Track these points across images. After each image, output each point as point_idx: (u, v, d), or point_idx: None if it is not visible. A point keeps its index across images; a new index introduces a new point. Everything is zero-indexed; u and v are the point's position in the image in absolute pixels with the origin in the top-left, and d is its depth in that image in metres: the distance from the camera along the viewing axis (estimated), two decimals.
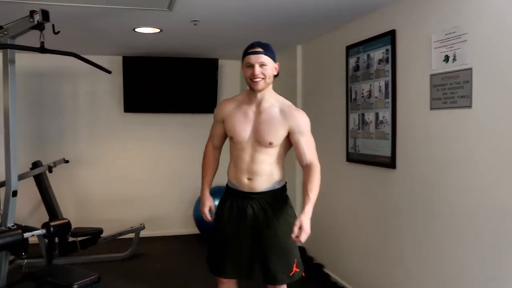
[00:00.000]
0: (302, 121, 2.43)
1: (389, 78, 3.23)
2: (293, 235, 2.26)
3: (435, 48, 2.76)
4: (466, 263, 2.57)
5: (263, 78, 2.35)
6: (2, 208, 3.52)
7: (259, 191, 2.47)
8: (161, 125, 5.72)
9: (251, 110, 2.46)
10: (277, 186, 2.51)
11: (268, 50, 2.38)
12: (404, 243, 3.13)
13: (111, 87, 5.54)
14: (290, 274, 2.48)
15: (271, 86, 2.45)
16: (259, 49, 2.36)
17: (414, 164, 3.02)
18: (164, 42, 4.59)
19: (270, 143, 2.40)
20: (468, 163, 2.54)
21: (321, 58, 4.42)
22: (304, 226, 2.26)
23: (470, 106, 2.50)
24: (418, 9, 2.94)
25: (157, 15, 3.50)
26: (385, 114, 3.29)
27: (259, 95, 2.42)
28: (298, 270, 2.51)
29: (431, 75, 2.79)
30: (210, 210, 2.65)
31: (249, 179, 2.46)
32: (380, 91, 3.36)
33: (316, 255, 4.51)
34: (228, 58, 5.71)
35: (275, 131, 2.39)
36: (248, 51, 2.39)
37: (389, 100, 3.24)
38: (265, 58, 2.35)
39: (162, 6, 3.22)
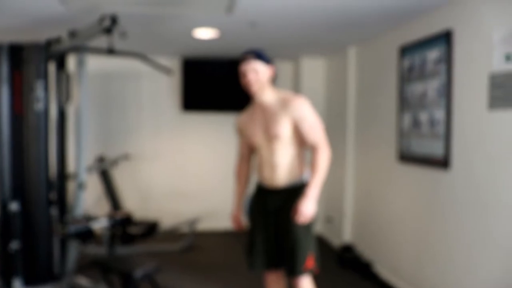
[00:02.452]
0: (299, 108, 2.51)
1: (445, 78, 3.22)
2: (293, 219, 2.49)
3: (496, 46, 2.73)
4: None
5: (256, 83, 2.52)
6: (71, 199, 3.79)
7: (279, 188, 2.60)
8: (217, 124, 5.90)
9: (257, 113, 2.64)
10: (296, 183, 2.59)
11: (258, 57, 2.53)
12: (457, 243, 3.11)
13: (171, 86, 5.80)
14: (303, 268, 2.54)
15: (269, 86, 2.58)
16: (249, 57, 2.53)
17: (470, 164, 3.00)
18: (222, 44, 4.75)
19: (277, 135, 2.53)
20: None
21: (374, 58, 4.44)
22: (299, 209, 2.45)
23: None
24: (477, 8, 2.92)
25: (216, 18, 3.64)
26: (439, 114, 3.28)
27: (259, 98, 2.58)
28: (311, 264, 2.57)
29: (491, 75, 2.76)
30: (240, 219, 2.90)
31: (270, 175, 2.60)
32: (434, 91, 3.35)
33: (365, 252, 4.54)
34: (283, 59, 5.80)
35: (278, 123, 2.52)
36: (241, 60, 2.56)
37: (444, 100, 3.23)
38: (255, 65, 2.51)
39: (221, 9, 3.35)
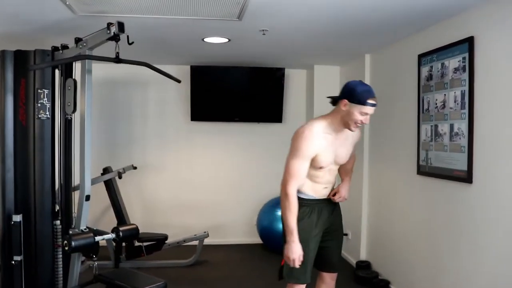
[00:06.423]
0: (359, 134, 2.90)
1: (466, 88, 3.05)
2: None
3: None
4: None
5: None
6: (75, 211, 3.67)
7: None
8: (226, 134, 5.77)
9: (332, 139, 2.68)
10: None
11: None
12: (480, 262, 2.92)
13: (178, 95, 5.68)
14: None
15: None
16: (375, 102, 2.53)
17: (494, 180, 2.82)
18: (231, 52, 4.64)
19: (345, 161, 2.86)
20: None
21: (391, 67, 4.28)
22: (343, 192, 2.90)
23: None
24: (501, 14, 2.76)
25: (226, 25, 3.53)
26: (461, 126, 3.11)
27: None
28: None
29: None
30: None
31: (326, 191, 2.83)
32: (455, 102, 3.18)
33: (381, 271, 4.35)
34: (295, 67, 5.68)
35: (348, 150, 2.84)
36: (369, 101, 2.50)
37: (466, 110, 3.06)
38: None
39: (232, 16, 3.25)
